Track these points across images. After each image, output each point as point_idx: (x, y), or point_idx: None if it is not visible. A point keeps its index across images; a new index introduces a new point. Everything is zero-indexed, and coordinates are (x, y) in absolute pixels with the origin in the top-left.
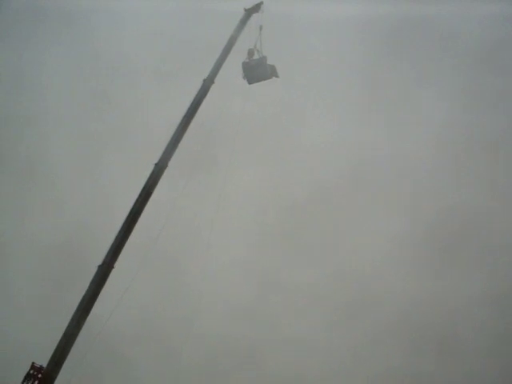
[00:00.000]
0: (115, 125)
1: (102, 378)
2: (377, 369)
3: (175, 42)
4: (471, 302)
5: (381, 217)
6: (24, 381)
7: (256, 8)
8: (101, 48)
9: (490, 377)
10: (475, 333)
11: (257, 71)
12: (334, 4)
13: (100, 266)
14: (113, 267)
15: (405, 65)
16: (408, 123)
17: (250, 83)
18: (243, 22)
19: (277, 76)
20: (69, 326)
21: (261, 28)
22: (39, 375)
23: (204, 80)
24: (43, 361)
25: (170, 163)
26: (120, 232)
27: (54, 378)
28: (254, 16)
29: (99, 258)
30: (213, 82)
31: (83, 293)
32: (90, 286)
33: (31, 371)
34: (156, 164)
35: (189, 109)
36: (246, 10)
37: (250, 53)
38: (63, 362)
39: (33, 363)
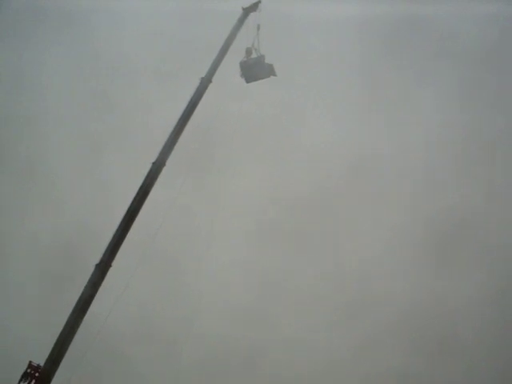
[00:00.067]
0: (115, 125)
1: (101, 377)
2: (377, 369)
3: (175, 42)
4: (471, 301)
5: (381, 217)
6: (21, 380)
7: (254, 7)
8: (101, 48)
9: (490, 377)
10: (475, 333)
11: (254, 70)
12: (333, 3)
13: (97, 265)
14: (110, 266)
15: (405, 65)
16: (408, 123)
17: (247, 82)
18: (241, 21)
19: (274, 75)
20: (66, 325)
21: (258, 27)
22: (36, 374)
23: (201, 79)
24: (41, 360)
25: (168, 162)
26: (117, 231)
27: (51, 377)
28: (252, 15)
29: (98, 257)
30: (210, 81)
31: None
32: (87, 285)
33: (28, 370)
34: (153, 163)
35: (186, 107)
36: (243, 8)
37: (248, 52)
38: (61, 361)
39: (30, 362)
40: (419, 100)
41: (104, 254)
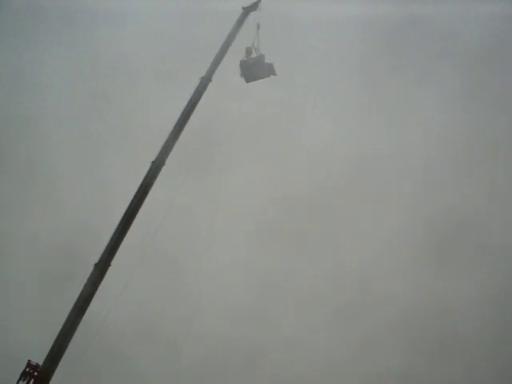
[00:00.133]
0: (115, 125)
1: (100, 377)
2: (377, 369)
3: (175, 42)
4: (471, 301)
5: (381, 217)
6: (20, 379)
7: (254, 6)
8: (101, 48)
9: (490, 377)
10: (475, 333)
11: (254, 69)
12: (333, 3)
13: (96, 265)
14: (110, 265)
15: (405, 65)
16: (408, 123)
17: (247, 81)
18: (241, 20)
19: (274, 74)
20: (65, 325)
21: (258, 26)
22: (35, 373)
23: (201, 78)
24: (40, 359)
25: (168, 161)
26: (117, 230)
27: (50, 376)
28: (252, 14)
29: (98, 256)
30: (210, 80)
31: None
32: (86, 285)
33: (27, 369)
34: (153, 162)
35: (186, 107)
36: (243, 8)
37: (248, 51)
38: (59, 360)
39: (29, 361)
40: (419, 100)
41: (103, 254)
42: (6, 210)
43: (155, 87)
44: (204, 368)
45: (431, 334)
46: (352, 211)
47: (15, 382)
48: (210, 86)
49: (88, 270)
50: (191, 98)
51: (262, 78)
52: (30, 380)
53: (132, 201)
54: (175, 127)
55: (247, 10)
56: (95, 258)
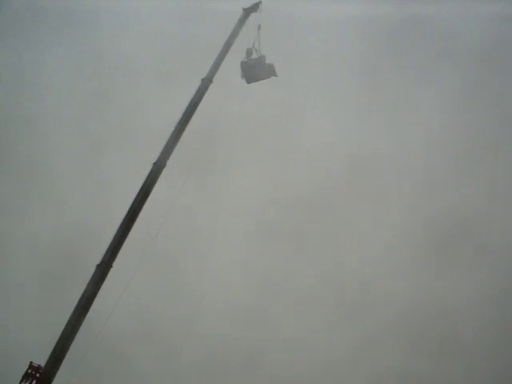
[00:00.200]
0: (115, 125)
1: (102, 377)
2: (377, 369)
3: (175, 42)
4: (471, 301)
5: (381, 217)
6: (22, 380)
7: (254, 7)
8: (101, 48)
9: (490, 377)
10: (475, 333)
11: (255, 70)
12: (333, 4)
13: (98, 266)
14: (111, 266)
15: (405, 64)
16: (408, 123)
17: (248, 82)
18: (241, 21)
19: (275, 75)
20: (67, 326)
21: (259, 27)
22: (37, 375)
23: (202, 79)
24: (42, 360)
25: (169, 162)
26: (118, 231)
27: (52, 378)
28: (253, 15)
29: (99, 257)
30: (211, 82)
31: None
32: (88, 286)
33: (29, 370)
34: (154, 163)
35: (187, 108)
36: (244, 9)
37: (249, 52)
38: (61, 362)
39: (31, 362)
40: (419, 100)
41: (105, 255)
42: (5, 210)
43: (155, 87)
44: (204, 368)
45: (431, 334)
46: (352, 211)
47: (17, 383)
48: (211, 87)
49: (88, 270)
50: (192, 99)
51: (263, 78)
52: (32, 381)
53: (134, 202)
54: (176, 128)
55: (248, 11)
56: (95, 258)
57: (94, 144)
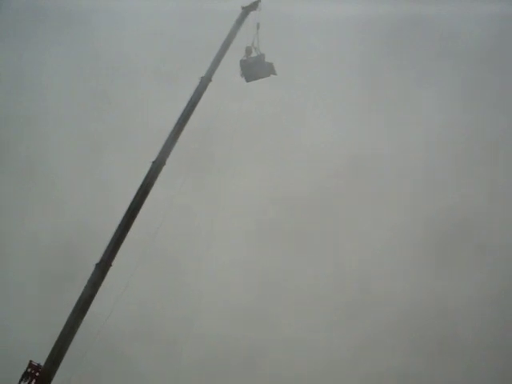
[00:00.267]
0: (115, 125)
1: (101, 377)
2: (377, 369)
3: (175, 42)
4: (471, 301)
5: (381, 217)
6: (22, 379)
7: (253, 6)
8: (101, 48)
9: (490, 377)
10: (475, 333)
11: (254, 69)
12: (333, 3)
13: (97, 265)
14: (111, 265)
15: (405, 65)
16: (408, 123)
17: (247, 81)
18: (240, 20)
19: (274, 74)
20: (66, 325)
21: (258, 26)
22: (37, 374)
23: (201, 78)
24: (41, 359)
25: (168, 161)
26: (117, 230)
27: (51, 377)
28: (252, 14)
29: (99, 256)
30: (210, 80)
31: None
32: (87, 285)
33: (29, 370)
34: (153, 162)
35: (186, 107)
36: (243, 8)
37: (248, 51)
38: (61, 361)
39: (30, 361)
40: (419, 100)
41: (104, 254)
42: (6, 210)
43: (155, 87)
44: (204, 368)
45: (431, 334)
46: (352, 211)
47: (16, 382)
48: (210, 85)
49: (88, 269)
50: (191, 98)
51: (262, 77)
52: (31, 380)
53: (133, 201)
54: (175, 127)
55: (247, 10)
56: (95, 258)
57: (94, 144)
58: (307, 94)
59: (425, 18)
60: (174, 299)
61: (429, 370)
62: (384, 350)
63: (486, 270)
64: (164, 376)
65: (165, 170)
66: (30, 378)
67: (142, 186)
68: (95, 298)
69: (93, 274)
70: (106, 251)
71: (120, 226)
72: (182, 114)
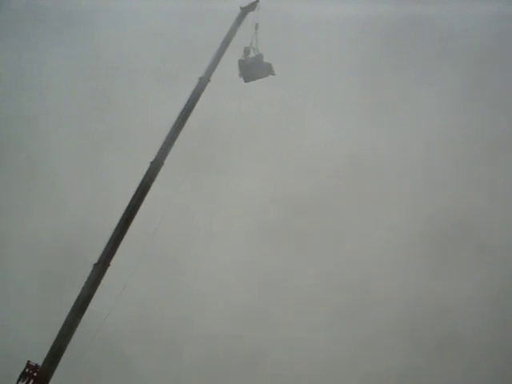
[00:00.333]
0: (115, 125)
1: (100, 377)
2: (377, 369)
3: (175, 42)
4: (471, 301)
5: (381, 217)
6: (19, 379)
7: (252, 6)
8: (101, 48)
9: (490, 377)
10: (475, 333)
11: (253, 69)
12: (332, 3)
13: (96, 265)
14: (109, 265)
15: (405, 65)
16: (408, 123)
17: (246, 81)
18: (239, 20)
19: (273, 74)
20: (64, 325)
21: (257, 26)
22: (34, 374)
23: (200, 78)
24: (40, 359)
25: (167, 161)
26: (116, 230)
27: (49, 377)
28: (250, 14)
29: (98, 256)
30: (209, 80)
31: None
32: (85, 285)
33: (27, 370)
34: (152, 162)
35: (184, 107)
36: (241, 8)
37: (246, 51)
38: (59, 361)
39: (28, 362)
40: (419, 100)
41: (102, 254)
42: (6, 210)
43: (155, 87)
44: (204, 368)
45: (431, 334)
46: (352, 211)
47: (14, 382)
48: (209, 85)
49: (88, 270)
50: (190, 98)
51: (261, 77)
52: (29, 381)
53: (131, 201)
54: (174, 127)
55: (245, 10)
56: (95, 258)
57: (94, 144)
58: (307, 94)
59: (425, 18)
60: (174, 299)
61: (429, 369)
62: (384, 350)
63: (486, 270)
64: (164, 376)
65: (163, 169)
66: (27, 379)
67: (140, 186)
68: (94, 297)
69: (91, 274)
70: (104, 251)
71: (118, 226)
72: (181, 115)
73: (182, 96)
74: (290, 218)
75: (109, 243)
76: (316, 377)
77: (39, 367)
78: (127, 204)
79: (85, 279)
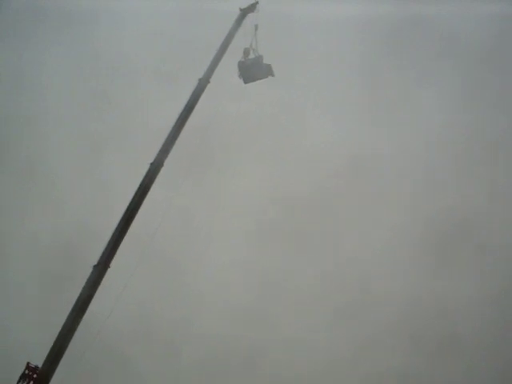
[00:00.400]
0: (115, 125)
1: (100, 377)
2: (377, 369)
3: (175, 42)
4: (471, 301)
5: (381, 217)
6: (19, 381)
7: (251, 8)
8: (101, 48)
9: (490, 377)
10: (475, 333)
11: (252, 70)
12: (332, 3)
13: (95, 266)
14: (108, 267)
15: (405, 65)
16: (408, 123)
17: (245, 82)
18: (238, 21)
19: (272, 75)
20: (64, 326)
21: (256, 27)
22: (34, 375)
23: (199, 79)
24: (40, 360)
25: (167, 162)
26: (115, 232)
27: (49, 378)
28: (250, 16)
29: (98, 257)
30: (208, 82)
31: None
32: (85, 287)
33: (26, 371)
34: (151, 163)
35: (184, 108)
36: (241, 9)
37: (246, 52)
38: (59, 362)
39: (28, 363)
40: (419, 100)
41: (102, 256)
42: (6, 210)
43: (155, 87)
44: (204, 368)
45: (431, 334)
46: (352, 211)
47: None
48: (209, 87)
49: (88, 270)
50: (189, 100)
51: (261, 78)
52: (29, 382)
53: (130, 202)
54: (174, 128)
55: (245, 12)
56: (95, 258)
57: (94, 144)
58: (307, 94)
59: (425, 18)
60: (174, 299)
61: (429, 369)
62: (384, 350)
63: (486, 270)
64: (164, 376)
65: (163, 170)
66: (27, 380)
67: (139, 187)
68: (94, 298)
69: (90, 276)
70: (103, 253)
71: (118, 227)
72: (180, 116)
73: (181, 96)
74: (290, 218)
75: (109, 244)
76: (316, 377)
77: (39, 369)
78: (127, 205)
79: (85, 280)
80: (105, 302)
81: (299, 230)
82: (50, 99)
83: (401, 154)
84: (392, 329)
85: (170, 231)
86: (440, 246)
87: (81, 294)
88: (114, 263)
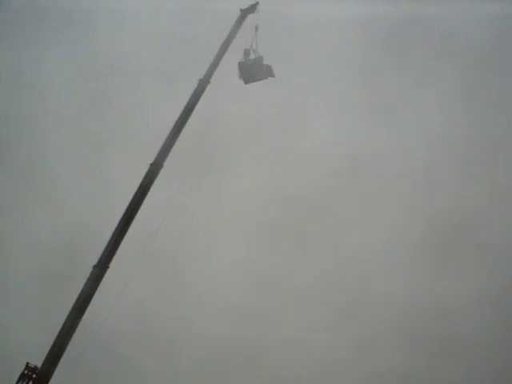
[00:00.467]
0: (115, 125)
1: (100, 377)
2: (377, 369)
3: (175, 42)
4: (471, 301)
5: (381, 217)
6: (18, 381)
7: (252, 8)
8: (101, 48)
9: (490, 377)
10: (475, 333)
11: (253, 71)
12: (331, 4)
13: (95, 267)
14: (108, 267)
15: (405, 64)
16: (408, 123)
17: (246, 83)
18: (239, 22)
19: (273, 76)
20: (63, 326)
21: (256, 28)
22: (33, 375)
23: (200, 80)
24: (39, 360)
25: (166, 163)
26: (115, 232)
27: (48, 378)
28: (250, 16)
29: (98, 257)
30: (208, 82)
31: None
32: (84, 287)
33: (26, 371)
34: (151, 164)
35: (184, 109)
36: (241, 10)
37: (246, 53)
38: (58, 363)
39: (27, 363)
40: (419, 100)
41: (102, 256)
42: (6, 210)
43: (155, 87)
44: (204, 368)
45: (431, 334)
46: (352, 211)
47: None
48: (209, 87)
49: (88, 270)
50: (189, 100)
51: (261, 79)
52: (28, 382)
53: (131, 202)
54: (173, 129)
55: (245, 12)
56: (95, 258)
57: (94, 144)
58: (307, 95)
59: (425, 18)
60: (174, 299)
61: (429, 369)
62: (384, 350)
63: (486, 270)
64: (164, 376)
65: (163, 170)
66: (26, 380)
67: (139, 188)
68: (94, 297)
69: (90, 276)
70: (103, 253)
71: (118, 228)
72: (180, 117)
73: (181, 96)
74: (290, 218)
75: (108, 244)
76: (316, 377)
77: (38, 369)
78: (127, 205)
79: (85, 280)
80: (105, 301)
81: (299, 230)
82: (50, 99)
83: (401, 154)
84: (392, 329)
85: (170, 231)
86: (440, 246)
87: (80, 294)
88: (113, 263)
